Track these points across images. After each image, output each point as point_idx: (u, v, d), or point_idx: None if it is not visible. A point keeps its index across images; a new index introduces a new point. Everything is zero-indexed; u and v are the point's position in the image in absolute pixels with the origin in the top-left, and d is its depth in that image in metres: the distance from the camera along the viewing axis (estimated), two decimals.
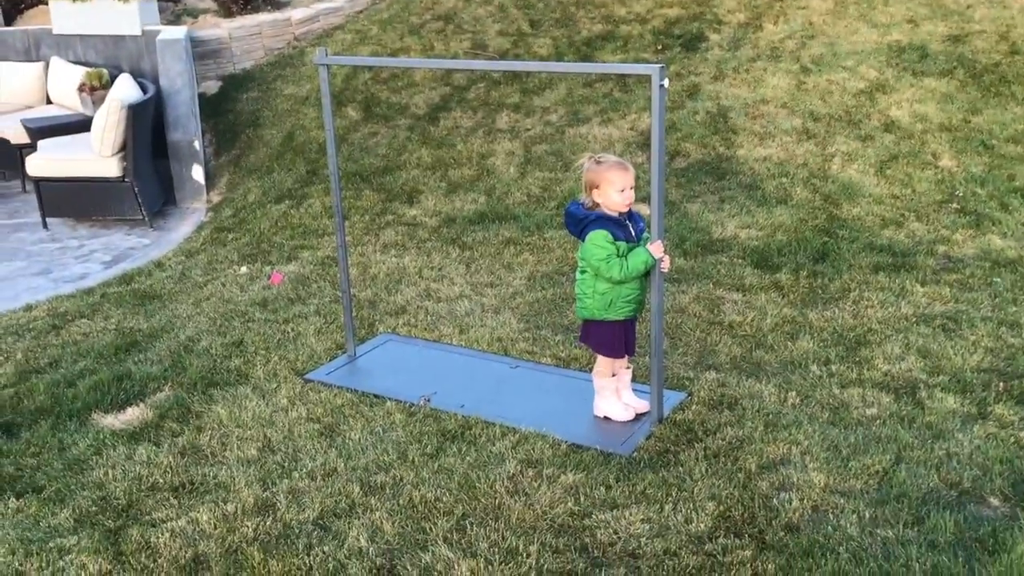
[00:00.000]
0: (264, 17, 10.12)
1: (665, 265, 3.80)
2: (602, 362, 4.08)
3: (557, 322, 5.21)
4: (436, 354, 4.89)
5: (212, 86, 9.55)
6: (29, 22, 10.36)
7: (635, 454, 3.82)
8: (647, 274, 3.84)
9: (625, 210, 3.81)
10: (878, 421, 4.02)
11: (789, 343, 4.80)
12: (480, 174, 7.81)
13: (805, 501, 3.42)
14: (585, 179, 3.80)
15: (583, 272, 3.93)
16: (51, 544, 3.37)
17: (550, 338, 4.98)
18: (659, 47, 9.26)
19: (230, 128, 9.16)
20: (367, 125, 8.75)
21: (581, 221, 3.81)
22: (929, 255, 5.89)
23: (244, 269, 6.41)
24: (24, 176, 8.54)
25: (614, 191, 3.74)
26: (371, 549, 3.27)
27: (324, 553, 3.25)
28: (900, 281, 5.50)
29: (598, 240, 3.76)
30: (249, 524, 3.43)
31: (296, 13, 10.29)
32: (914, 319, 5.03)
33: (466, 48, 9.89)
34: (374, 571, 3.16)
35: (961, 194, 6.73)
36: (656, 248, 3.75)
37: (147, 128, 7.76)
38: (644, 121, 8.01)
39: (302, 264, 6.39)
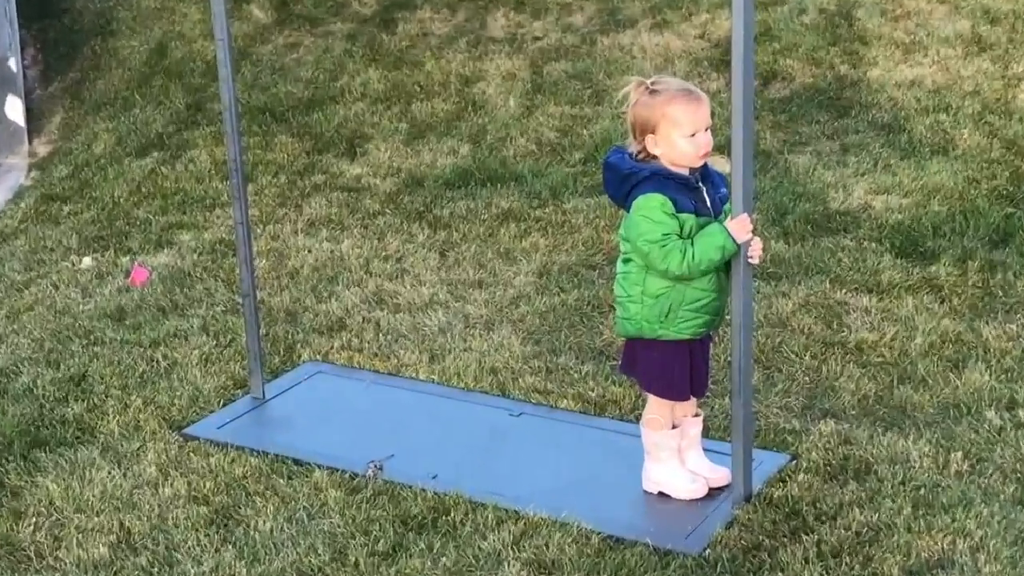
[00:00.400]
0: None
1: (755, 253, 3.82)
2: (656, 406, 4.06)
3: (585, 343, 5.20)
4: (392, 395, 4.90)
5: None
6: None
7: (708, 553, 3.79)
8: (727, 266, 3.86)
9: (698, 164, 3.84)
10: None
11: (951, 375, 4.77)
12: (462, 110, 7.80)
13: None
14: (633, 118, 3.83)
15: (627, 262, 3.93)
16: None
17: (573, 369, 4.97)
18: None
19: (65, 38, 9.15)
20: (283, 32, 8.74)
21: (627, 179, 3.82)
22: None
23: (88, 261, 6.41)
24: None
25: (680, 135, 3.76)
26: None
27: None
28: None
29: (650, 210, 3.77)
30: None
31: None
32: None
33: None
34: None
35: None
36: (740, 226, 3.77)
37: None
38: (721, 25, 8.03)
39: (180, 253, 6.39)
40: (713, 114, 3.92)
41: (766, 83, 7.55)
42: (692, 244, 3.76)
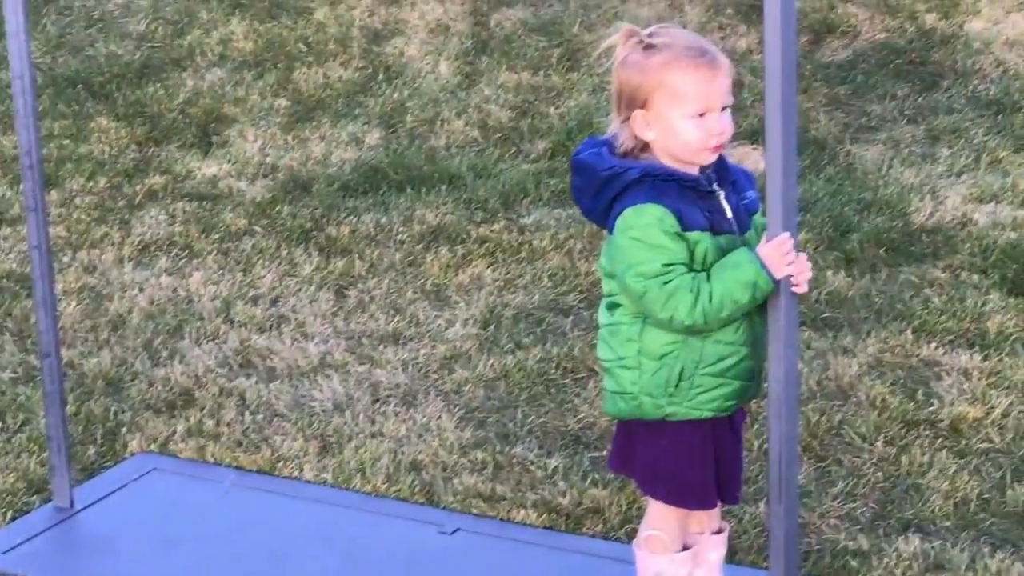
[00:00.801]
0: None
1: (801, 280, 3.76)
2: (660, 517, 4.06)
3: (552, 424, 5.24)
4: (264, 504, 4.90)
5: None
6: None
7: None
8: (761, 309, 3.83)
9: (709, 160, 3.83)
10: None
11: None
12: (369, 79, 7.78)
13: None
14: (618, 84, 3.83)
15: (613, 308, 3.93)
16: None
17: (534, 463, 5.00)
18: None
19: None
20: None
21: (607, 183, 3.81)
22: None
23: None
24: None
25: (682, 115, 3.74)
26: None
27: None
28: None
29: (643, 229, 3.74)
30: None
31: None
32: None
33: None
34: None
35: None
36: (778, 253, 3.71)
37: None
38: None
39: None
40: (739, 87, 3.94)
41: (818, 40, 7.57)
42: (708, 280, 3.75)
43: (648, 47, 3.75)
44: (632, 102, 3.79)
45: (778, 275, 3.70)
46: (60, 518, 4.83)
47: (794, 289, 3.76)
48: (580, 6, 8.01)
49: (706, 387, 3.86)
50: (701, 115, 3.74)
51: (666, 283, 3.70)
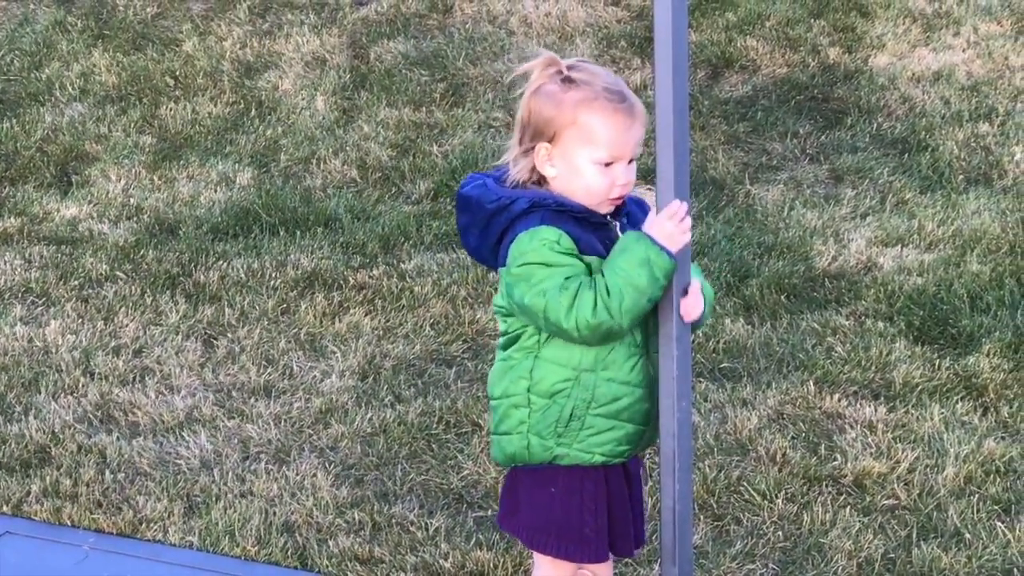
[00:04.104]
0: None
1: (691, 309, 3.80)
2: (548, 574, 4.08)
3: (434, 482, 5.24)
4: (127, 570, 4.86)
5: None
6: None
7: None
8: (648, 349, 3.86)
9: (607, 209, 3.85)
10: None
11: (999, 525, 4.87)
12: (241, 115, 7.78)
13: None
14: (527, 112, 3.85)
15: (507, 345, 3.95)
16: None
17: (415, 523, 4.99)
18: None
19: None
20: None
21: (495, 216, 3.83)
22: None
23: None
24: None
25: (591, 159, 3.78)
26: None
27: None
28: None
29: (539, 250, 3.74)
30: None
31: None
32: None
33: None
34: None
35: None
36: (671, 221, 3.69)
37: None
38: None
39: None
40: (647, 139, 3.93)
41: (716, 74, 7.64)
42: (604, 273, 3.74)
43: (567, 80, 3.77)
44: (539, 134, 3.80)
45: (674, 247, 3.72)
46: None
47: (686, 316, 3.77)
48: (465, 39, 8.05)
49: (597, 428, 3.87)
50: (609, 163, 3.76)
51: (565, 289, 3.70)
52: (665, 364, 3.82)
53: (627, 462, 3.98)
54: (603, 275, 3.71)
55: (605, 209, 3.81)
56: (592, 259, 3.76)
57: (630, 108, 3.76)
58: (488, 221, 3.82)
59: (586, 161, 3.75)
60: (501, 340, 3.94)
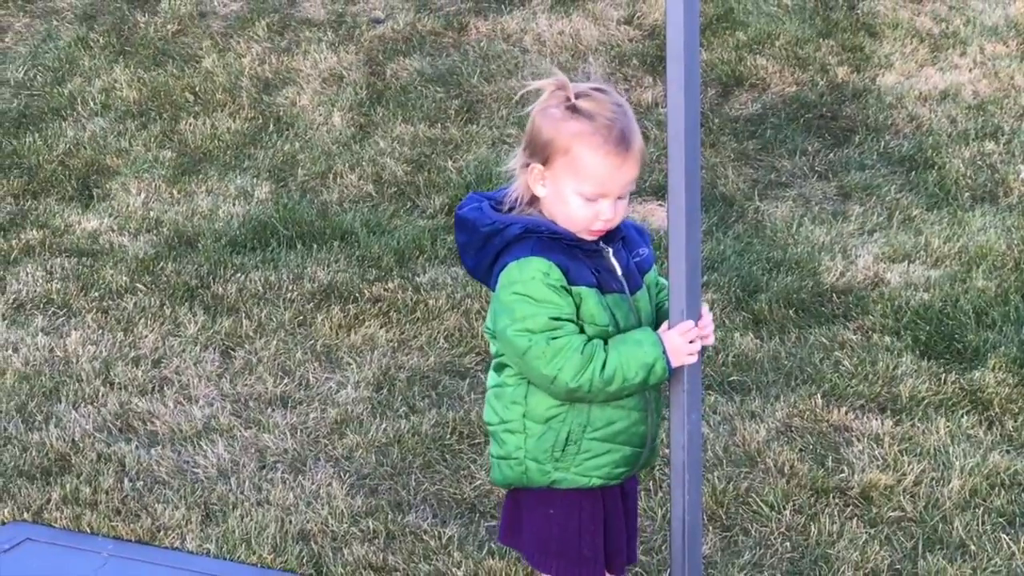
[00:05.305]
0: None
1: (685, 348, 3.80)
2: None
3: (447, 493, 5.24)
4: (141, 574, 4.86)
5: None
6: None
7: None
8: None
9: (589, 239, 3.84)
10: None
11: (1004, 537, 4.87)
12: (259, 130, 7.79)
13: None
14: (532, 128, 3.87)
15: (500, 370, 3.96)
16: None
17: (428, 532, 5.00)
18: None
19: None
20: None
21: (488, 240, 3.86)
22: None
23: None
24: None
25: (576, 191, 3.79)
26: None
27: None
28: None
29: (527, 283, 3.76)
30: None
31: None
32: None
33: None
34: None
35: None
36: (682, 340, 3.77)
37: None
38: (657, 5, 8.17)
39: None
40: (645, 140, 3.94)
41: (726, 93, 7.64)
42: (605, 349, 3.77)
43: (571, 108, 3.76)
44: (536, 153, 3.81)
45: (677, 364, 3.76)
46: None
47: (703, 342, 3.79)
48: (479, 56, 8.05)
49: (594, 452, 3.88)
50: (593, 199, 3.75)
51: (554, 339, 3.72)
52: (675, 376, 3.82)
53: (624, 483, 3.98)
54: (604, 350, 3.73)
55: (588, 237, 3.81)
56: (581, 289, 3.75)
57: (625, 148, 3.75)
58: (483, 243, 3.84)
59: (571, 191, 3.76)
60: (493, 363, 3.94)
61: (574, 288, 3.75)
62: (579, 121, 3.75)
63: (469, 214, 3.86)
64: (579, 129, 3.74)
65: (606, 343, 3.75)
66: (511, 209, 3.86)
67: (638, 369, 3.73)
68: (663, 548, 4.67)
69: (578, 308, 3.77)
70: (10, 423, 5.72)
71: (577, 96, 3.77)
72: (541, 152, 3.79)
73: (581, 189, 3.74)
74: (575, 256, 3.79)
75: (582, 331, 3.76)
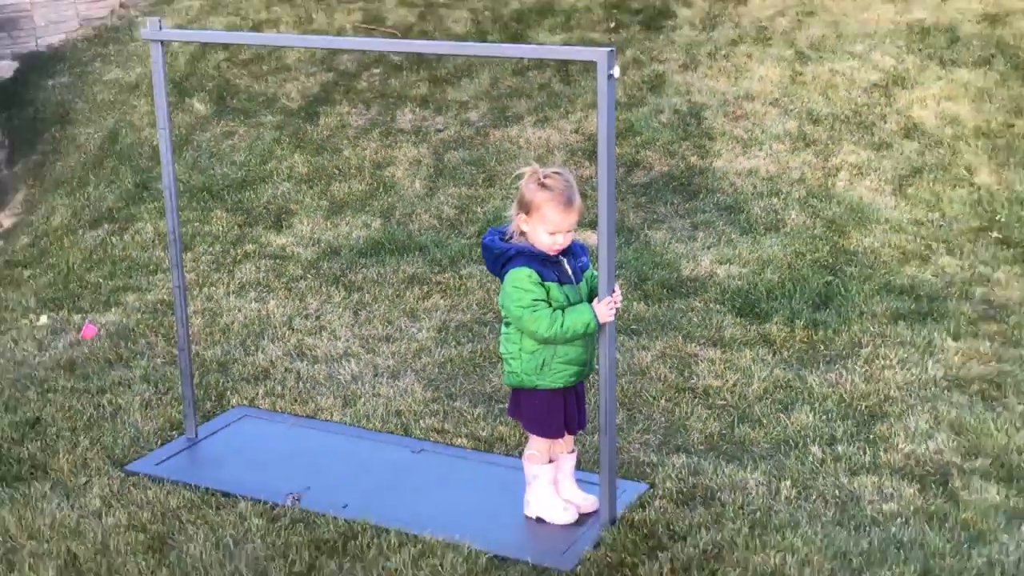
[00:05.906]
0: None
1: (607, 312, 3.83)
2: (536, 443, 4.09)
3: (477, 389, 5.23)
4: (310, 435, 4.88)
5: (5, 67, 9.38)
6: None
7: (579, 569, 3.82)
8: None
9: (555, 253, 3.90)
10: (899, 520, 4.09)
11: (782, 416, 4.87)
12: (374, 189, 7.81)
13: None
14: (520, 194, 3.89)
15: (507, 324, 3.97)
16: None
17: (467, 411, 5.00)
18: (612, 25, 9.42)
19: (29, 125, 8.99)
20: (220, 123, 8.69)
21: (499, 257, 3.90)
22: (964, 299, 6.05)
23: (44, 319, 6.29)
24: None
25: (544, 230, 3.85)
26: None
27: None
28: (926, 333, 5.63)
29: (518, 281, 3.84)
30: None
31: None
32: (945, 384, 5.15)
33: (356, 22, 9.92)
34: None
35: (1003, 219, 6.94)
36: (606, 308, 3.82)
37: None
38: (593, 122, 8.12)
39: (125, 312, 6.30)
40: (584, 198, 3.97)
41: (629, 170, 7.65)
42: (563, 315, 3.81)
43: (541, 184, 3.85)
44: (522, 208, 3.89)
45: (603, 321, 3.85)
46: (189, 444, 4.83)
47: (608, 314, 3.82)
48: (495, 150, 8.05)
49: (559, 370, 3.95)
50: (552, 234, 3.85)
51: (534, 311, 3.85)
52: (602, 328, 3.85)
53: (576, 385, 4.02)
54: (563, 315, 3.80)
55: (552, 254, 3.89)
56: (551, 284, 3.85)
57: (570, 205, 3.82)
58: (496, 258, 3.92)
59: (542, 230, 3.84)
60: (503, 320, 4.01)
61: (546, 283, 3.90)
62: (545, 192, 3.83)
63: (488, 242, 3.96)
64: (546, 197, 3.82)
65: (563, 312, 3.82)
66: (510, 238, 3.97)
67: (581, 325, 3.84)
68: (594, 420, 4.69)
69: (548, 293, 3.87)
70: (236, 351, 5.74)
71: (544, 176, 3.86)
72: (525, 207, 3.87)
73: (546, 228, 3.85)
74: (546, 264, 3.91)
75: (550, 306, 3.85)
